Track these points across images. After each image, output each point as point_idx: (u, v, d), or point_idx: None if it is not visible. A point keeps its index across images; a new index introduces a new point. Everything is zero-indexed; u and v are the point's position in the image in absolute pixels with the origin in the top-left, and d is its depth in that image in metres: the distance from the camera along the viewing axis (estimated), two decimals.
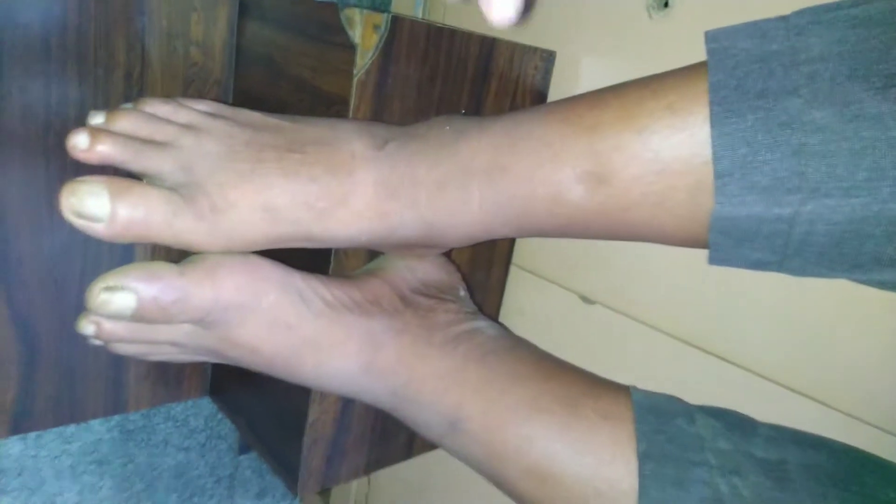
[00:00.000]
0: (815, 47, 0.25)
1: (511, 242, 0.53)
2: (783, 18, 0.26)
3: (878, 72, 0.23)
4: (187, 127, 0.32)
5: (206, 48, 0.47)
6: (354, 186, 0.31)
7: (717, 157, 0.26)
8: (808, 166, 0.24)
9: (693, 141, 0.27)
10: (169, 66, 0.46)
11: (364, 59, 0.37)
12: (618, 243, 0.47)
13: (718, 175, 0.26)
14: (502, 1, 0.23)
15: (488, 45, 0.44)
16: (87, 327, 0.31)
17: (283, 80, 0.44)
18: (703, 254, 0.43)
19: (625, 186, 0.28)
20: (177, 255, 0.32)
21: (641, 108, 0.28)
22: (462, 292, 0.42)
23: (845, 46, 0.24)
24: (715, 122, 0.26)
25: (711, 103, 0.26)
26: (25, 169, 0.42)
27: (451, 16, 0.58)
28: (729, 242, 0.27)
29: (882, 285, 0.27)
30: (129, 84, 0.45)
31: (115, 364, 0.51)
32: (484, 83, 0.45)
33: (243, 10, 0.48)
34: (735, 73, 0.26)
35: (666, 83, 0.28)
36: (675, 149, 0.27)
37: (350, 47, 0.37)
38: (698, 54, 0.29)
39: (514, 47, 0.45)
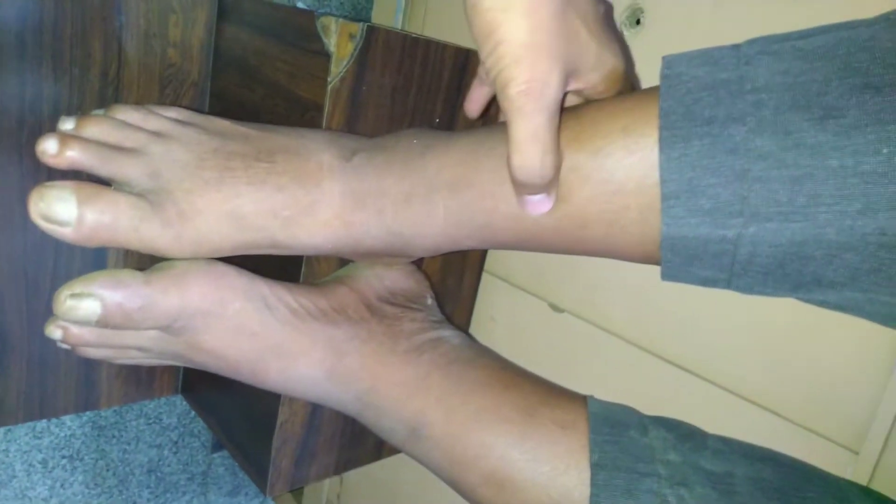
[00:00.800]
0: (762, 77, 0.26)
1: (483, 251, 0.53)
2: (736, 47, 0.27)
3: (817, 103, 0.24)
4: (157, 134, 0.32)
5: (184, 49, 0.48)
6: (321, 196, 0.32)
7: (664, 181, 0.27)
8: (751, 191, 0.25)
9: (645, 163, 0.27)
10: (146, 67, 0.46)
11: (339, 67, 0.38)
12: None
13: (665, 197, 0.27)
14: (539, 202, 0.29)
15: (463, 56, 0.44)
16: (54, 332, 0.32)
17: (259, 84, 0.44)
18: None
19: (581, 205, 0.29)
20: (150, 256, 0.32)
21: (597, 129, 0.29)
22: (429, 301, 0.43)
23: (789, 77, 0.25)
24: (663, 146, 0.27)
25: (661, 128, 0.27)
26: None
27: (431, 26, 0.58)
28: (678, 261, 0.28)
29: (824, 305, 0.28)
30: (105, 83, 0.45)
31: (87, 361, 0.51)
32: (458, 93, 0.45)
33: (222, 13, 0.48)
34: (684, 101, 0.27)
35: (621, 106, 0.29)
36: (628, 170, 0.28)
37: (325, 55, 0.37)
38: None
39: None
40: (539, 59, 0.26)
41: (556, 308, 0.50)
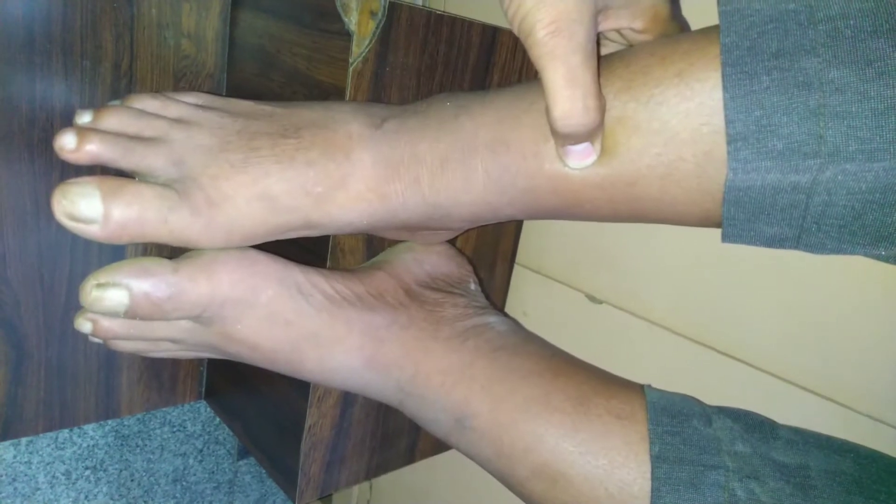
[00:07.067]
0: (835, 5, 0.23)
1: (515, 241, 0.51)
2: None
3: None
4: (177, 121, 0.31)
5: (198, 39, 0.46)
6: (353, 168, 0.30)
7: (729, 121, 0.24)
8: (828, 129, 0.23)
9: (703, 110, 0.25)
10: (159, 59, 0.45)
11: (360, 48, 0.36)
12: (625, 240, 0.45)
13: (731, 139, 0.24)
14: (582, 152, 0.27)
15: (490, 34, 0.42)
16: (83, 325, 0.31)
17: (276, 71, 0.42)
18: (710, 250, 0.41)
19: (630, 158, 0.27)
20: (169, 252, 0.30)
21: (648, 77, 0.27)
22: (472, 286, 0.41)
23: (867, 3, 0.23)
24: (727, 84, 0.24)
25: (724, 65, 0.24)
26: (9, 165, 0.41)
27: (453, 3, 0.56)
28: (742, 216, 0.26)
29: None
30: (117, 76, 0.43)
31: (107, 367, 0.49)
32: (486, 73, 0.43)
33: (236, 0, 0.47)
34: (749, 35, 0.24)
35: (676, 49, 0.27)
36: (683, 118, 0.25)
37: (346, 35, 0.36)
38: None
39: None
40: None
41: (593, 299, 0.48)
